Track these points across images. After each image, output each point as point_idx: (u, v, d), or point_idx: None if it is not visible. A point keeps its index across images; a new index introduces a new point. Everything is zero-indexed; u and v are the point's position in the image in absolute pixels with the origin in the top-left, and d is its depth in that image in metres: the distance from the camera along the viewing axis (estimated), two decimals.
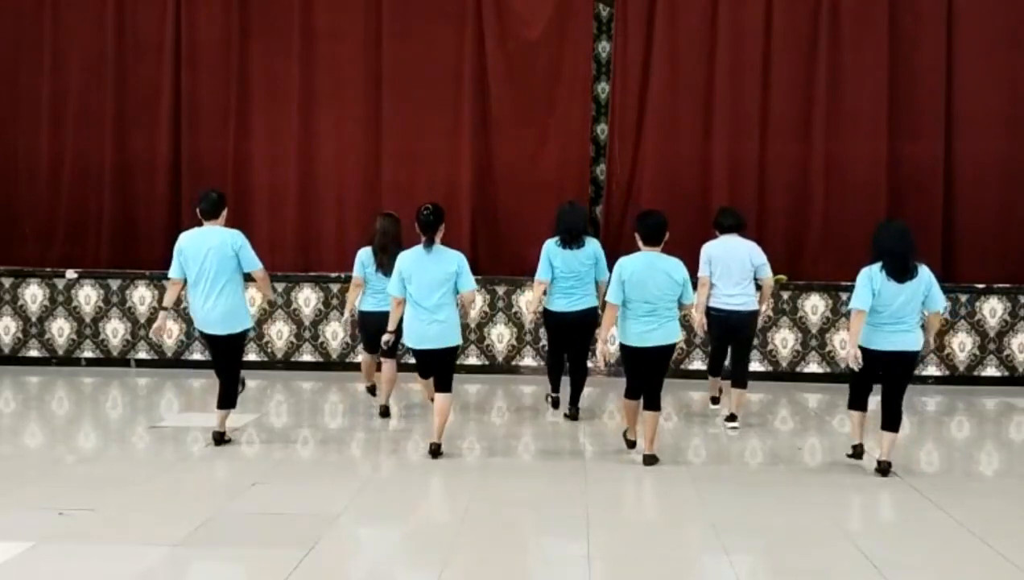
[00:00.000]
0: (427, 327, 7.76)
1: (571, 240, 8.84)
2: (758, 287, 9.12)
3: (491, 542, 6.04)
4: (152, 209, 12.30)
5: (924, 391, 10.99)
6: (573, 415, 9.30)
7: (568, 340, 9.09)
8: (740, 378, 9.07)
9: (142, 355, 11.91)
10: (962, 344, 11.56)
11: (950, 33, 11.92)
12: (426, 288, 7.72)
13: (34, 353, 11.99)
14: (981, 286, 11.63)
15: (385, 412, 9.20)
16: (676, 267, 7.62)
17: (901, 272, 7.31)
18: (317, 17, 12.22)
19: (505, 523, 6.40)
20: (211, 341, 8.13)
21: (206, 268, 7.85)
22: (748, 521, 6.49)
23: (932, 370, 11.50)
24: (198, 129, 12.34)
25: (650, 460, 7.71)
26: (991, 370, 11.59)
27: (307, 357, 11.84)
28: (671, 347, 7.71)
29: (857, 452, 7.87)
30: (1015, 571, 5.60)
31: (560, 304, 8.92)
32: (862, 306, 7.37)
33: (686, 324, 11.15)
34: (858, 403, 7.72)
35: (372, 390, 9.59)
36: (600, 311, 8.65)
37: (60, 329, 11.96)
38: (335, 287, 11.72)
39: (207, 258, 7.85)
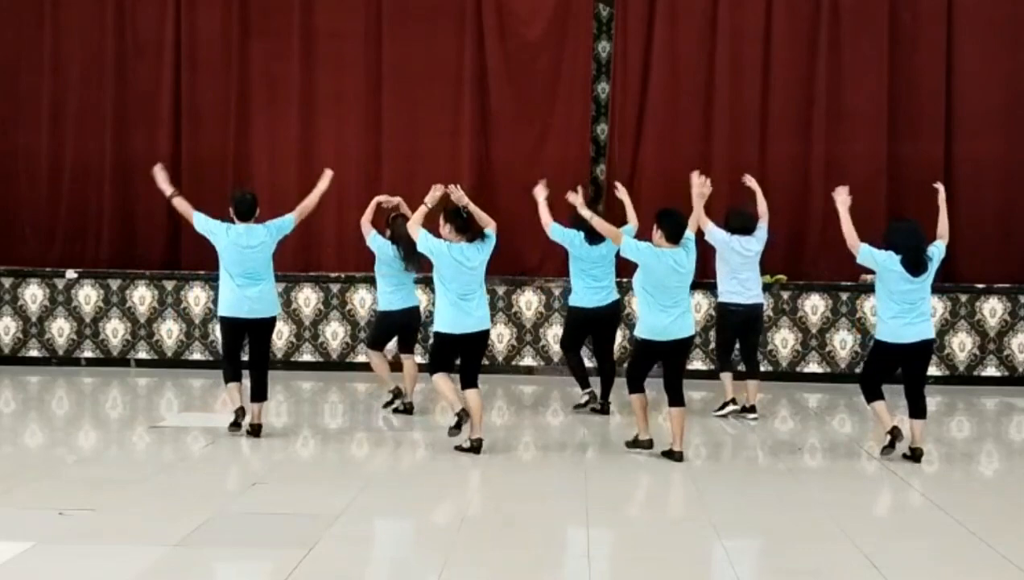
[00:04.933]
0: None
1: (593, 240, 8.94)
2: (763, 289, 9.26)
3: (492, 540, 6.04)
4: (152, 209, 12.24)
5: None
6: (604, 409, 9.39)
7: (590, 336, 9.37)
8: (756, 370, 9.47)
9: (142, 355, 11.91)
10: (962, 344, 11.55)
11: (950, 33, 11.91)
12: None
13: (34, 353, 11.98)
14: (981, 286, 11.62)
15: (410, 408, 9.34)
16: (676, 254, 7.67)
17: (916, 266, 7.63)
18: (317, 17, 12.21)
19: (505, 521, 6.40)
20: (247, 327, 8.29)
21: (252, 263, 8.24)
22: (748, 519, 6.50)
23: (932, 370, 11.45)
24: (198, 129, 12.33)
25: (678, 457, 7.78)
26: (991, 370, 11.58)
27: (307, 357, 11.83)
28: (689, 341, 7.94)
29: (896, 435, 7.68)
30: (1015, 571, 5.59)
31: (587, 300, 9.13)
32: (867, 252, 7.79)
33: None
34: (876, 394, 7.80)
35: (397, 393, 9.40)
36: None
37: (60, 329, 11.96)
38: (335, 287, 11.72)
39: (253, 255, 8.24)
